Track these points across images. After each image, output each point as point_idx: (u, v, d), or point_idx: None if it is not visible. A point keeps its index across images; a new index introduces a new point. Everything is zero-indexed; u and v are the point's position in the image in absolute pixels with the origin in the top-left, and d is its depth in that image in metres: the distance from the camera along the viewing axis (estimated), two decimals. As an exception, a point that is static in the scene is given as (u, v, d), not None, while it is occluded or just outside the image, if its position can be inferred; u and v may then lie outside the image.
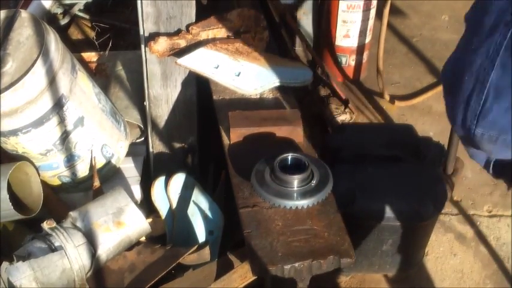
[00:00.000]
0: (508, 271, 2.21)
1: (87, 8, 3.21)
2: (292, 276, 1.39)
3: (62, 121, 1.85)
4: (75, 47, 2.90)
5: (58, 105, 1.81)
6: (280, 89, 1.92)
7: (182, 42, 1.90)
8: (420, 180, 1.89)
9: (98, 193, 1.94)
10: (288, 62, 1.94)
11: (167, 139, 2.20)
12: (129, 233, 1.76)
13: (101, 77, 2.44)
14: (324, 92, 2.85)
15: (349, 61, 3.00)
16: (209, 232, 1.96)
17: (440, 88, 3.06)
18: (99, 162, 2.05)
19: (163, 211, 1.99)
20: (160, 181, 1.99)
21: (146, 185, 2.09)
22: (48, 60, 1.75)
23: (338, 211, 1.50)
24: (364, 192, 1.87)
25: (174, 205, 1.97)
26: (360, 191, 1.87)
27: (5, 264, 1.60)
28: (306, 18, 3.05)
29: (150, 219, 1.95)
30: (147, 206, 2.09)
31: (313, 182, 1.50)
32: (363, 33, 2.90)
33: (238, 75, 1.80)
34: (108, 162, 2.09)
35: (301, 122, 1.74)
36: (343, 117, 2.77)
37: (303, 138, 1.73)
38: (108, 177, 2.12)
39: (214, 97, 1.92)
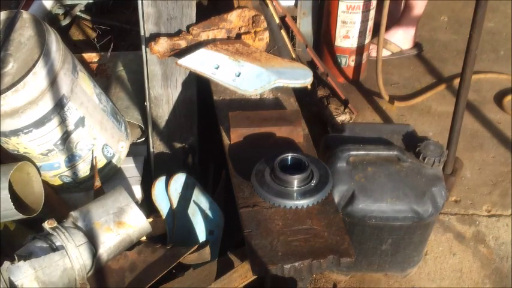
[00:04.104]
0: (507, 271, 2.22)
1: (88, 9, 3.22)
2: (292, 275, 1.40)
3: (63, 121, 1.86)
4: (76, 48, 2.92)
5: (59, 106, 1.82)
6: (280, 89, 1.92)
7: (183, 43, 1.91)
8: (419, 180, 1.90)
9: (99, 193, 1.94)
10: (288, 63, 1.94)
11: (168, 139, 2.20)
12: (130, 233, 1.77)
13: (102, 77, 2.45)
14: (323, 92, 2.86)
15: (348, 62, 3.02)
16: (209, 232, 1.97)
17: (439, 88, 3.08)
18: (100, 162, 2.06)
19: (163, 211, 1.99)
20: (161, 181, 2.00)
21: (147, 184, 2.09)
22: (49, 61, 1.75)
23: (338, 211, 1.50)
24: (364, 192, 1.88)
25: (175, 205, 1.98)
26: (360, 191, 1.88)
27: (6, 263, 1.61)
28: (305, 19, 3.06)
29: (150, 219, 1.96)
30: (147, 205, 2.10)
31: (313, 182, 1.51)
32: (362, 34, 2.91)
33: (238, 75, 1.80)
34: (109, 162, 2.09)
35: (301, 122, 1.75)
36: (343, 117, 2.78)
37: (303, 138, 1.73)
38: (109, 177, 2.13)
39: (215, 97, 1.93)
